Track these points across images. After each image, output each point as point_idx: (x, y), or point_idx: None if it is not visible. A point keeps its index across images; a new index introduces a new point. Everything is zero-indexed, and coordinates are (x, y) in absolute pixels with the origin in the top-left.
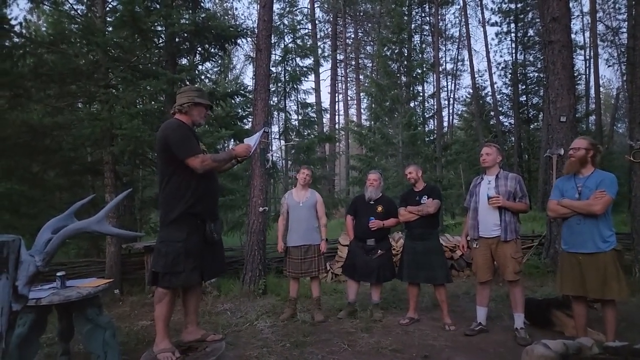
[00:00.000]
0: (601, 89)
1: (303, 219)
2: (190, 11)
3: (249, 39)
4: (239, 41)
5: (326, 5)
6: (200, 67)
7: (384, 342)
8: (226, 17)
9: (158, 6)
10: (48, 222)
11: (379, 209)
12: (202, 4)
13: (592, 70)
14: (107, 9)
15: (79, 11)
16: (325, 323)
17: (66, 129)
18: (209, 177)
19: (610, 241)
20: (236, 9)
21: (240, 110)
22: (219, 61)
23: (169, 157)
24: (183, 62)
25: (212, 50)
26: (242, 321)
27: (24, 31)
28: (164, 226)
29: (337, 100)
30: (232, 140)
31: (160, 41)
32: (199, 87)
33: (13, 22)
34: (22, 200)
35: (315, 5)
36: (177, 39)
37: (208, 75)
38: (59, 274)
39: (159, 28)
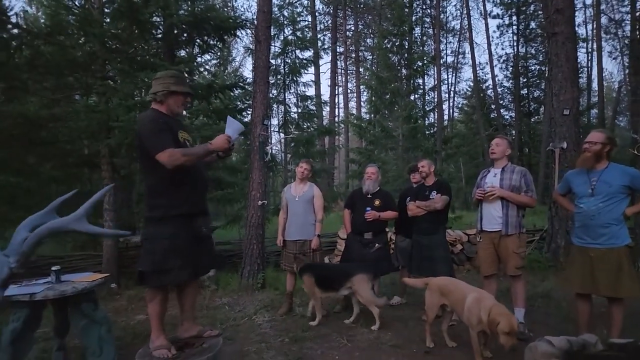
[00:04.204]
0: (603, 82)
1: (299, 213)
2: (189, 2)
3: (248, 30)
4: (238, 33)
5: None
6: (199, 58)
7: (383, 337)
8: (225, 9)
9: None
10: (26, 220)
11: (377, 202)
12: None
13: (594, 63)
14: (114, 2)
15: (76, 2)
16: (324, 317)
17: (62, 121)
18: (194, 169)
19: (624, 236)
20: (235, 0)
21: (239, 103)
22: (218, 53)
23: (147, 151)
24: (182, 54)
25: (211, 42)
26: (240, 315)
27: (20, 22)
28: (149, 222)
29: (337, 93)
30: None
31: (158, 33)
32: (177, 73)
33: (9, 13)
34: (18, 192)
35: None
36: (175, 31)
37: (207, 67)
38: (53, 268)
39: (157, 19)
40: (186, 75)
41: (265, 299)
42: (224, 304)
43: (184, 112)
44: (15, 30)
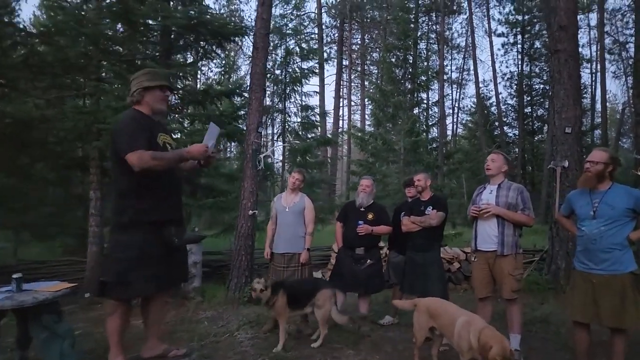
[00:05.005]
0: (607, 103)
1: (289, 225)
2: (183, 5)
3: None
4: (242, 41)
5: (333, 11)
6: (195, 65)
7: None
8: (232, 18)
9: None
10: None
11: (370, 216)
12: (197, 0)
13: (598, 84)
14: (107, 2)
15: (73, 2)
16: (310, 337)
17: (52, 122)
18: (169, 174)
19: (628, 262)
20: (242, 10)
21: (242, 111)
22: (223, 61)
23: (119, 152)
24: (180, 59)
25: (208, 47)
26: (222, 331)
27: (13, 19)
28: (116, 229)
29: (341, 105)
30: (225, 139)
31: (153, 35)
32: (151, 69)
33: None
34: (11, 193)
35: (323, 11)
36: (172, 35)
37: (210, 74)
38: (14, 276)
39: (152, 22)
40: (188, 80)
41: (251, 314)
42: (207, 317)
43: (182, 118)
44: (13, 30)
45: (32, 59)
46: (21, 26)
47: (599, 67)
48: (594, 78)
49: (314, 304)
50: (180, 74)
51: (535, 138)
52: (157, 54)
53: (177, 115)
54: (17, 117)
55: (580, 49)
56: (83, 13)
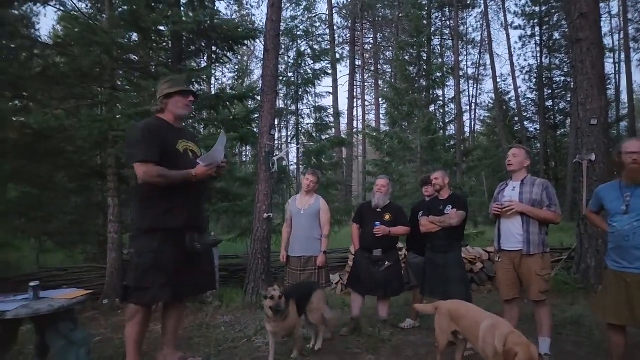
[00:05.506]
0: (633, 94)
1: (304, 227)
2: (193, 10)
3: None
4: (254, 45)
5: (344, 11)
6: (208, 69)
7: None
8: (244, 23)
9: (162, 6)
10: None
11: (387, 216)
12: (207, 5)
13: (623, 74)
14: (119, 10)
15: (86, 11)
16: (329, 341)
17: (70, 132)
18: (188, 181)
19: None
20: (254, 15)
21: (256, 115)
22: (236, 66)
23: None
24: (192, 65)
25: (220, 51)
26: (240, 336)
27: (33, 32)
28: (136, 235)
29: (355, 105)
30: (239, 143)
31: (164, 41)
32: (172, 77)
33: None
34: (33, 203)
35: (334, 11)
36: (183, 40)
37: (223, 79)
38: (31, 284)
39: (163, 28)
40: (201, 85)
41: None
42: (225, 322)
43: (195, 123)
44: (28, 42)
45: (49, 71)
46: (39, 39)
47: (622, 56)
48: (617, 68)
49: (307, 308)
50: (193, 80)
51: (558, 132)
52: (169, 60)
53: (190, 121)
54: (36, 127)
55: (602, 37)
56: (97, 23)
